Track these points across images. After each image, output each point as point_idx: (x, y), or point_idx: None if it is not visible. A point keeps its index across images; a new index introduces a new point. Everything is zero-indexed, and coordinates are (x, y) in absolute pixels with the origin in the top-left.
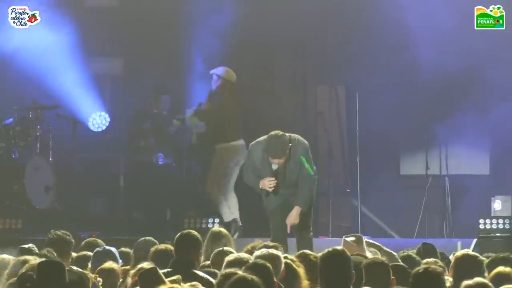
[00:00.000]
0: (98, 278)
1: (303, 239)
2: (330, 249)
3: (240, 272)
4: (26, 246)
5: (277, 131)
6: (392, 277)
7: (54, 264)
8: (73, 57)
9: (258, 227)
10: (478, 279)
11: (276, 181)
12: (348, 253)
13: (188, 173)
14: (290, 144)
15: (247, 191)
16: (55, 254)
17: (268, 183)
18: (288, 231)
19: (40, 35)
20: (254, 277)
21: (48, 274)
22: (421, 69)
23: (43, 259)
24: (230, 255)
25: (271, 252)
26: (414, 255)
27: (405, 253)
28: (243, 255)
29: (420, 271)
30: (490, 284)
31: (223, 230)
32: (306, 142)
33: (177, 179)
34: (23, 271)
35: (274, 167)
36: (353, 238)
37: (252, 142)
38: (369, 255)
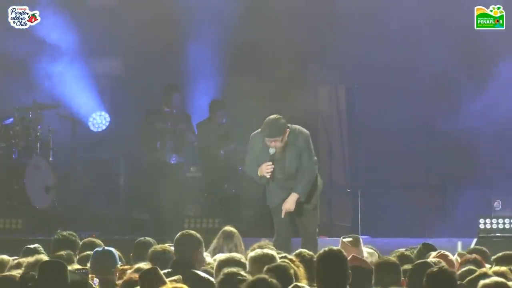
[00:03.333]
0: (95, 279)
1: (308, 243)
2: (326, 249)
3: (241, 272)
4: (31, 246)
5: (275, 115)
6: (403, 278)
7: (56, 264)
8: (73, 57)
9: (264, 227)
10: (495, 278)
11: (273, 166)
12: (345, 253)
13: (189, 172)
14: (288, 129)
15: (251, 189)
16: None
17: (265, 168)
18: (282, 215)
19: (40, 34)
20: (274, 280)
21: (50, 274)
22: (422, 69)
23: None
24: (222, 254)
25: (266, 252)
26: (410, 254)
27: (399, 252)
28: (235, 255)
29: (434, 270)
30: (509, 283)
31: (234, 229)
32: (306, 131)
33: (182, 178)
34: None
35: (271, 151)
36: (350, 239)
37: (253, 133)
38: (366, 256)
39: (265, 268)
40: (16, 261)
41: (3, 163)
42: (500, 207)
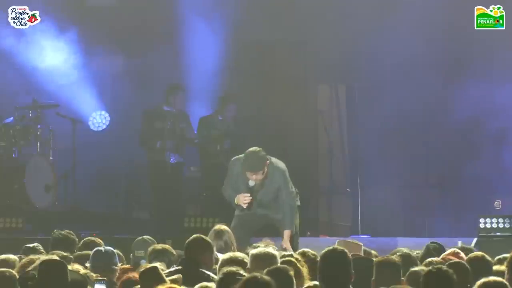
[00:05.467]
0: (99, 278)
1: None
2: (330, 248)
3: (241, 271)
4: (31, 245)
5: (255, 147)
6: (402, 278)
7: (56, 263)
8: (73, 56)
9: (265, 226)
10: (494, 278)
11: (251, 197)
12: (349, 253)
13: (189, 172)
14: (268, 161)
15: None
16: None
17: (243, 199)
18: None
19: (40, 34)
20: (266, 277)
21: (50, 274)
22: (422, 69)
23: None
24: (226, 254)
25: (267, 251)
26: (412, 254)
27: (402, 252)
28: (238, 254)
29: (432, 270)
30: (507, 283)
31: (225, 227)
32: (283, 166)
33: (181, 178)
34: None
35: (251, 183)
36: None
37: (233, 158)
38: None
39: (265, 271)
40: (24, 260)
41: (3, 162)
42: (500, 207)
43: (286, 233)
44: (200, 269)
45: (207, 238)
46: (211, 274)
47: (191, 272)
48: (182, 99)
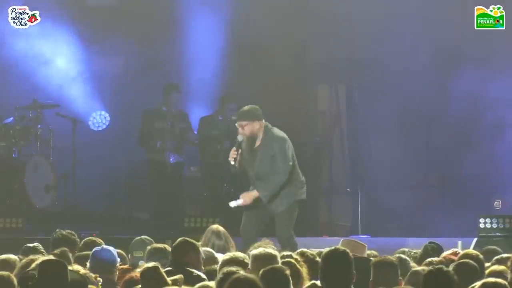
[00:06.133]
0: (98, 278)
1: (282, 247)
2: (332, 248)
3: (241, 271)
4: (31, 245)
5: (256, 106)
6: (400, 278)
7: (56, 263)
8: (73, 56)
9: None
10: (494, 278)
11: (237, 152)
12: (351, 254)
13: (189, 172)
14: (261, 124)
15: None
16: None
17: (231, 153)
18: (231, 205)
19: (40, 34)
20: (251, 276)
21: (50, 274)
22: (422, 69)
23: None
24: (226, 254)
25: (267, 251)
26: (404, 256)
27: (399, 253)
28: (238, 254)
29: (433, 270)
30: (507, 284)
31: (221, 228)
32: (283, 136)
33: (181, 178)
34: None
35: (240, 138)
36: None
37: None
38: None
39: (260, 272)
40: (24, 260)
41: (3, 162)
42: (500, 207)
43: (254, 192)
44: (187, 268)
45: (192, 240)
46: (198, 273)
47: (178, 272)
48: (177, 99)
